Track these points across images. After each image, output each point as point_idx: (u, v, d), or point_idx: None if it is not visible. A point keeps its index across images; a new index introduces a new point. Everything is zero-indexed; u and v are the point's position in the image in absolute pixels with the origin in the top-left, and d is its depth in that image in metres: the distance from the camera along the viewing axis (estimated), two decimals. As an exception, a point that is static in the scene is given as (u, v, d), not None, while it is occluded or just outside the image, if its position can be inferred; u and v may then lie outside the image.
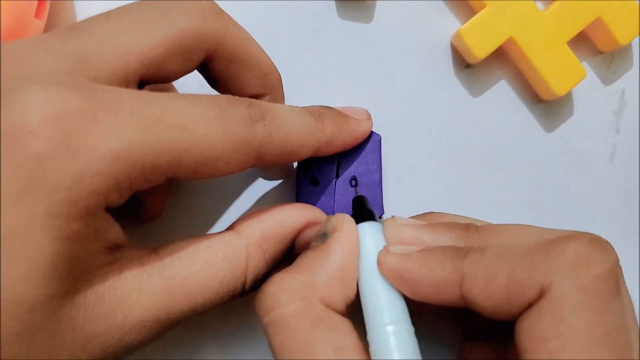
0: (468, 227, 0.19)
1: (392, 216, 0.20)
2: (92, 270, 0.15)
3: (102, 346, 0.16)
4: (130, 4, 0.18)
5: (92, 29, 0.17)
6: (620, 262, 0.26)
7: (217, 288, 0.17)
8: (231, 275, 0.18)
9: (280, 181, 0.24)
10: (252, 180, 0.24)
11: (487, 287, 0.16)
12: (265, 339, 0.23)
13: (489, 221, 0.24)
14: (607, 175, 0.26)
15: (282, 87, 0.22)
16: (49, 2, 0.22)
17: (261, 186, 0.24)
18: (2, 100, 0.14)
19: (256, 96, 0.21)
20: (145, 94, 0.16)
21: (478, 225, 0.19)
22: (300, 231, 0.20)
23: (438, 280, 0.17)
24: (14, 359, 0.14)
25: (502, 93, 0.26)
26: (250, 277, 0.18)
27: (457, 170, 0.25)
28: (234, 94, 0.20)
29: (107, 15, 0.17)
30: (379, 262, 0.18)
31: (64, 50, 0.16)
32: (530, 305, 0.15)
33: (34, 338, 0.14)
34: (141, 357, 0.22)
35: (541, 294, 0.15)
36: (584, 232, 0.16)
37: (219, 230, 0.24)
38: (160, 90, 0.22)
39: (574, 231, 0.17)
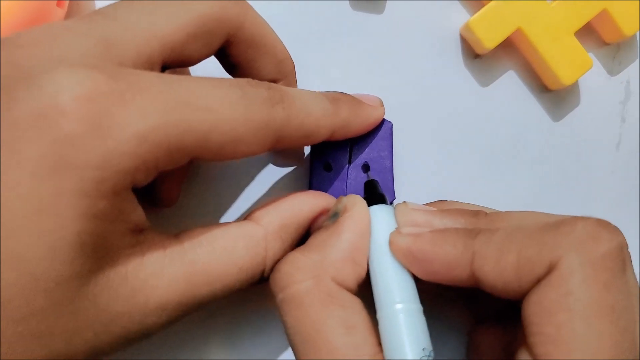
0: (477, 213, 0.19)
1: (404, 202, 0.20)
2: (116, 251, 0.16)
3: (124, 327, 0.16)
4: None
5: (117, 13, 0.17)
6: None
7: (236, 275, 0.18)
8: (250, 263, 0.18)
9: (294, 167, 0.25)
10: (265, 166, 0.25)
11: (498, 264, 0.16)
12: (272, 335, 0.24)
13: (497, 207, 0.24)
14: (613, 162, 0.27)
15: (295, 74, 0.22)
16: (69, -9, 0.23)
17: (274, 172, 0.24)
18: (34, 81, 0.14)
19: (271, 82, 0.21)
20: (170, 77, 0.16)
21: (487, 212, 0.19)
22: (315, 218, 0.20)
23: (449, 259, 0.17)
24: (38, 334, 0.14)
25: (511, 83, 0.26)
26: (269, 265, 0.19)
27: (466, 157, 0.26)
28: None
29: (131, 1, 0.18)
30: (390, 242, 0.18)
31: (90, 34, 0.16)
32: (539, 281, 0.16)
33: (59, 315, 0.15)
34: (148, 351, 0.22)
35: (550, 269, 0.16)
36: (591, 216, 0.17)
37: (233, 216, 0.24)
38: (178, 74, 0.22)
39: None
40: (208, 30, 0.18)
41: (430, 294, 0.19)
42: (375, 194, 0.20)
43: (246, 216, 0.20)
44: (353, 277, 0.18)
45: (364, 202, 0.19)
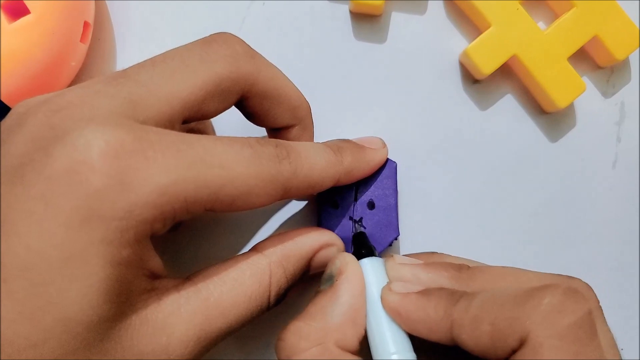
0: (460, 267, 0.20)
1: (392, 255, 0.21)
2: (135, 296, 0.17)
3: None
4: (172, 50, 0.19)
5: (141, 77, 0.18)
6: (622, 263, 0.27)
7: (246, 304, 0.19)
8: (257, 290, 0.19)
9: (304, 205, 0.26)
10: (277, 204, 0.26)
11: (474, 333, 0.17)
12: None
13: (498, 227, 0.25)
14: (610, 181, 0.27)
15: (310, 116, 0.23)
16: (92, 28, 0.24)
17: (286, 209, 0.26)
18: (67, 139, 0.15)
19: (287, 127, 0.22)
20: (188, 136, 0.17)
21: (470, 265, 0.20)
22: (315, 252, 0.21)
23: (431, 323, 0.18)
24: None
25: (509, 106, 0.27)
26: (273, 292, 0.20)
27: (466, 178, 0.27)
28: (267, 126, 0.22)
29: (153, 62, 0.18)
30: (382, 299, 0.19)
31: (117, 96, 0.17)
32: (514, 352, 0.16)
33: (89, 355, 0.15)
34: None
35: (522, 342, 0.16)
36: (562, 281, 0.18)
37: (245, 250, 0.25)
38: (199, 126, 0.23)
39: (553, 277, 0.18)
40: (224, 89, 0.19)
41: (424, 342, 0.20)
42: (363, 247, 0.21)
43: (251, 248, 0.21)
44: (355, 337, 0.19)
45: (356, 261, 0.20)
